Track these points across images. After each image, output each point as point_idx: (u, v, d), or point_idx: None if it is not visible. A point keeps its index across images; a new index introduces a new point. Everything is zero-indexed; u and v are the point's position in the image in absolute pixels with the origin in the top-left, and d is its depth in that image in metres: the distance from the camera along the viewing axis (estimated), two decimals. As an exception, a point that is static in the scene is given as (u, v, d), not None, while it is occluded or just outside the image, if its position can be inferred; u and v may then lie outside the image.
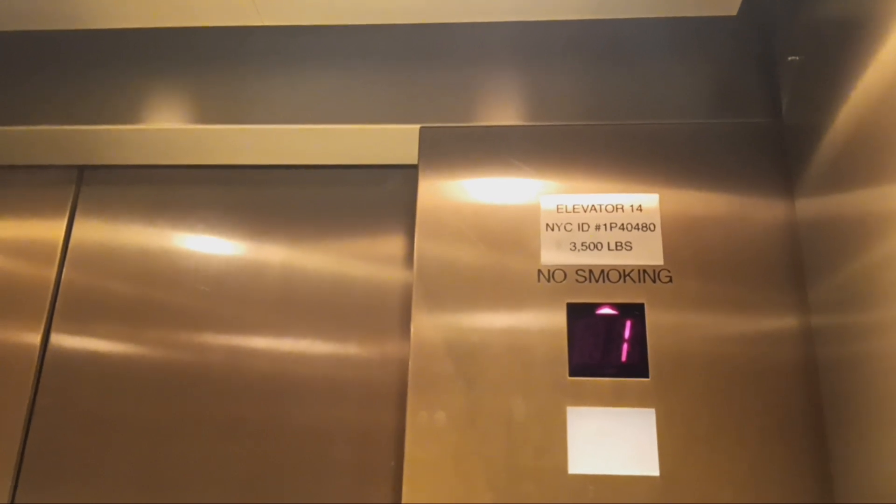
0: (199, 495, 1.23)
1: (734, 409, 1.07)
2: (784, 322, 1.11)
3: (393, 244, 1.36)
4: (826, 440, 1.04)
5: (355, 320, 1.31)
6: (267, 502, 1.22)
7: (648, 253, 1.17)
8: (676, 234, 1.18)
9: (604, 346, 1.12)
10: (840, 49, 1.01)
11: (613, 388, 1.10)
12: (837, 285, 1.01)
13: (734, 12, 1.33)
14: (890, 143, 0.88)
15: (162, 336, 1.33)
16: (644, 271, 1.16)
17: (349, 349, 1.30)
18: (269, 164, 1.43)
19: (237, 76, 1.39)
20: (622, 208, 1.21)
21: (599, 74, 1.32)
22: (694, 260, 1.16)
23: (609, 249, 1.18)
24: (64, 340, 1.35)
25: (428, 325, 1.16)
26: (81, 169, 1.47)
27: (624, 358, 1.11)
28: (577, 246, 1.19)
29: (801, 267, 1.13)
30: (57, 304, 1.37)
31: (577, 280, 1.17)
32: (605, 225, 1.20)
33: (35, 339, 1.34)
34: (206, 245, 1.40)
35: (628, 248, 1.18)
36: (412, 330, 1.16)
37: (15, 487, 1.26)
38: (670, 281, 1.15)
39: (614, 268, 1.17)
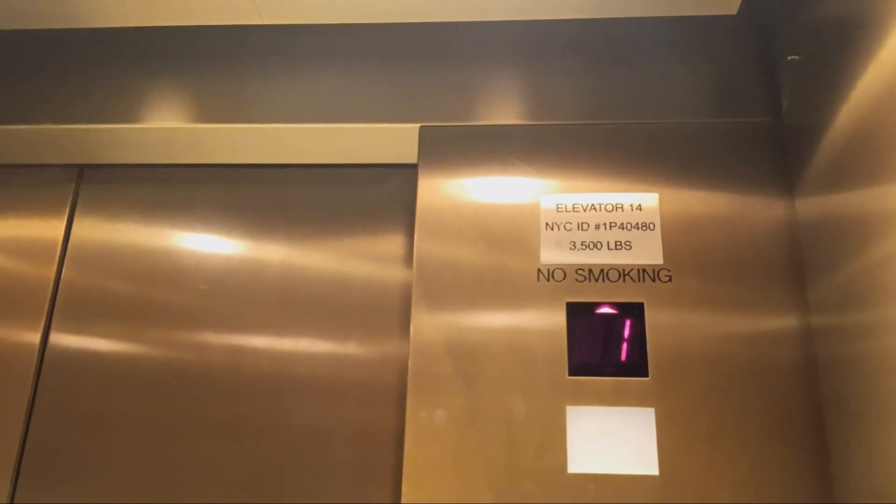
0: (199, 495, 1.23)
1: (734, 409, 1.07)
2: (784, 322, 1.11)
3: (393, 243, 1.36)
4: (826, 440, 1.04)
5: (355, 320, 1.31)
6: (266, 502, 1.21)
7: (648, 252, 1.17)
8: (676, 234, 1.18)
9: (603, 345, 1.12)
10: (840, 49, 1.01)
11: (613, 387, 1.10)
12: (837, 285, 1.01)
13: (734, 12, 1.33)
14: (890, 143, 0.87)
15: (161, 335, 1.33)
16: (644, 271, 1.16)
17: (349, 348, 1.30)
18: (269, 164, 1.43)
19: (237, 75, 1.39)
20: (622, 208, 1.21)
21: (599, 74, 1.32)
22: (694, 259, 1.16)
23: (609, 249, 1.18)
24: (63, 339, 1.35)
25: (428, 324, 1.16)
26: (81, 168, 1.47)
27: (623, 357, 1.11)
28: (576, 245, 1.19)
29: (801, 267, 1.13)
30: (56, 303, 1.37)
31: (576, 279, 1.17)
32: (604, 224, 1.20)
33: (34, 338, 1.34)
34: (206, 244, 1.40)
35: (628, 247, 1.18)
36: (412, 329, 1.16)
37: (14, 487, 1.26)
38: (670, 280, 1.15)
39: (614, 267, 1.17)
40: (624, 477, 1.05)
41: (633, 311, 1.14)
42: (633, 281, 1.16)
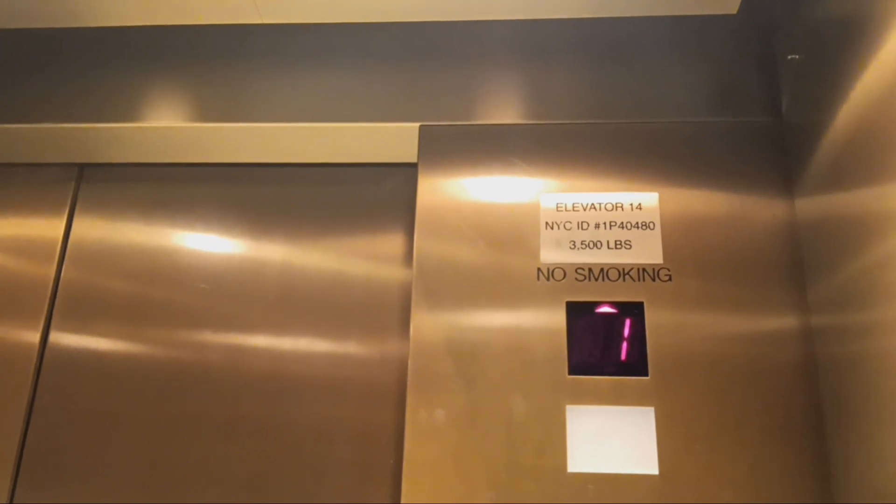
0: (199, 494, 1.22)
1: (734, 409, 1.07)
2: (784, 322, 1.11)
3: (392, 243, 1.35)
4: (826, 440, 1.04)
5: (355, 319, 1.31)
6: (266, 502, 1.21)
7: (648, 251, 1.17)
8: (676, 233, 1.18)
9: (603, 344, 1.12)
10: (840, 48, 1.01)
11: (613, 386, 1.10)
12: (837, 285, 1.01)
13: (734, 11, 1.33)
14: (890, 143, 0.87)
15: (161, 334, 1.33)
16: (644, 270, 1.16)
17: (349, 348, 1.30)
18: (269, 163, 1.43)
19: (237, 74, 1.39)
20: (622, 207, 1.21)
21: (599, 73, 1.32)
22: (693, 259, 1.16)
23: (608, 248, 1.18)
24: (63, 339, 1.35)
25: (427, 323, 1.16)
26: (81, 167, 1.47)
27: (623, 357, 1.11)
28: (576, 244, 1.19)
29: (800, 266, 1.13)
30: (56, 302, 1.37)
31: (576, 279, 1.17)
32: (604, 223, 1.20)
33: (34, 337, 1.34)
34: (206, 243, 1.40)
35: (628, 246, 1.18)
36: (412, 329, 1.16)
37: (14, 487, 1.26)
38: (670, 280, 1.15)
39: (614, 266, 1.17)
40: (624, 476, 1.05)
41: (633, 310, 1.14)
42: (633, 280, 1.16)
